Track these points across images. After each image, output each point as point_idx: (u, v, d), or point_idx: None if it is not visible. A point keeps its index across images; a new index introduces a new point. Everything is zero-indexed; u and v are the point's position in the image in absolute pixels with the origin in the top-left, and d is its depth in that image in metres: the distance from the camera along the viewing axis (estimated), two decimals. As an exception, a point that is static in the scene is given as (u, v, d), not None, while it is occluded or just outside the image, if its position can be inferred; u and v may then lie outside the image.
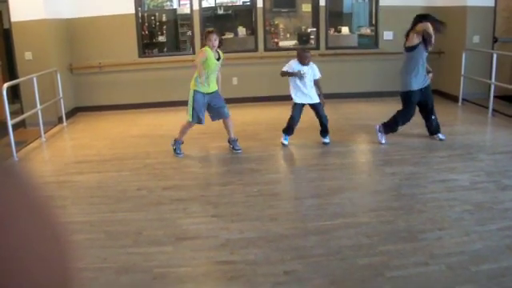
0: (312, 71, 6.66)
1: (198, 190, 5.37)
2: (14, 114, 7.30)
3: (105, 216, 4.73)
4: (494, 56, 8.26)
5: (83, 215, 4.75)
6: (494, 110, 8.19)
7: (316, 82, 6.72)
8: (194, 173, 6.13)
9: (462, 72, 8.99)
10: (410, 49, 6.48)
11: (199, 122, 6.43)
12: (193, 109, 6.34)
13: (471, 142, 6.79)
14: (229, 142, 6.69)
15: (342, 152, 6.57)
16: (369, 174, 5.99)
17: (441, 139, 6.80)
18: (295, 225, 4.35)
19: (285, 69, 6.67)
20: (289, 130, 6.82)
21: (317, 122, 6.78)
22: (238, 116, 8.37)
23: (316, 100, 6.69)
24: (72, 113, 9.46)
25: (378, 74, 9.95)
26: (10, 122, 6.59)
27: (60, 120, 8.82)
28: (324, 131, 6.83)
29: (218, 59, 6.36)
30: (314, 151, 6.64)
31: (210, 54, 6.21)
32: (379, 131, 6.81)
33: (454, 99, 9.32)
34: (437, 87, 10.15)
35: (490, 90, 8.27)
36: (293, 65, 6.63)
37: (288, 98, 9.42)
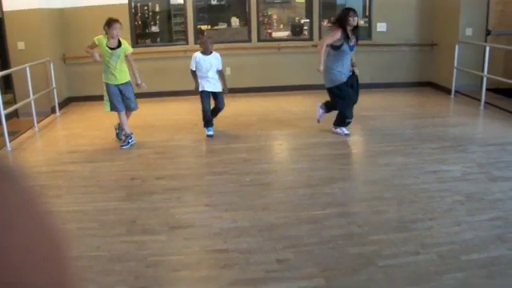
0: (216, 61, 6.79)
1: (191, 180, 5.39)
2: (6, 103, 7.28)
3: (98, 205, 4.73)
4: (487, 49, 8.30)
5: (76, 204, 4.75)
6: (486, 102, 8.23)
7: (220, 73, 6.87)
8: (187, 162, 6.15)
9: (455, 64, 9.02)
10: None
11: (117, 110, 6.57)
12: (109, 100, 6.54)
13: (463, 134, 6.84)
14: (116, 128, 6.83)
15: (334, 143, 6.60)
16: (361, 164, 6.03)
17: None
18: (287, 214, 4.38)
19: (193, 68, 6.79)
20: (207, 122, 6.94)
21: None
22: (231, 106, 8.37)
23: (218, 89, 6.85)
24: (65, 103, 9.44)
25: (370, 65, 9.96)
26: (2, 112, 6.58)
27: (53, 110, 8.81)
28: (213, 115, 7.02)
29: (117, 47, 6.40)
30: (307, 141, 6.66)
31: (100, 40, 6.40)
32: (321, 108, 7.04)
33: (447, 91, 9.37)
34: (430, 79, 10.22)
35: (482, 83, 8.31)
36: (196, 58, 6.76)
37: (280, 88, 9.46)
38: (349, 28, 6.47)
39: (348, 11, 6.54)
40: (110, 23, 6.31)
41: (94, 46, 6.47)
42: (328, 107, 6.96)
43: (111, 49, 6.37)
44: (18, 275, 0.46)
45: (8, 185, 0.50)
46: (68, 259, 0.53)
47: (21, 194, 0.51)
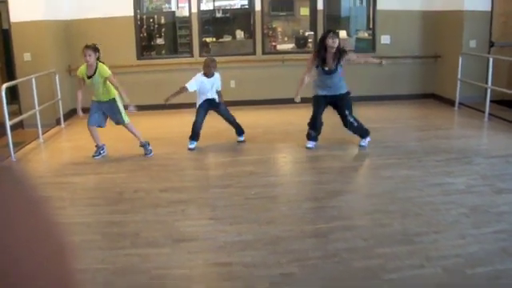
0: (216, 83, 6.86)
1: (195, 192, 5.39)
2: (12, 114, 7.30)
3: (102, 217, 4.74)
4: (491, 60, 8.29)
5: (80, 216, 4.75)
6: (490, 114, 8.22)
7: (218, 93, 6.93)
8: (192, 175, 6.15)
9: (459, 76, 9.02)
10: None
11: (88, 123, 6.62)
12: (89, 114, 6.64)
13: (467, 146, 6.83)
14: (141, 146, 6.81)
15: (338, 155, 6.60)
16: (365, 177, 6.02)
17: (361, 145, 6.82)
18: (292, 227, 4.37)
19: (191, 89, 6.79)
20: (194, 135, 6.94)
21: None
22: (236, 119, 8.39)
23: (215, 104, 6.92)
24: (70, 114, 9.45)
25: (375, 77, 9.97)
26: (8, 123, 6.61)
27: (58, 121, 8.84)
28: (238, 131, 7.17)
29: (94, 74, 6.37)
30: (311, 154, 6.66)
31: (81, 71, 6.47)
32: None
33: (451, 103, 9.36)
34: (433, 91, 10.22)
35: (486, 95, 8.30)
36: (199, 79, 6.80)
37: (287, 101, 9.46)
38: (330, 50, 6.40)
39: (327, 33, 6.52)
40: (82, 51, 6.36)
41: (80, 78, 6.53)
42: (315, 135, 6.84)
43: (89, 77, 6.41)
44: (20, 274, 0.46)
45: (13, 185, 0.51)
46: (72, 262, 0.53)
47: (26, 195, 0.52)
